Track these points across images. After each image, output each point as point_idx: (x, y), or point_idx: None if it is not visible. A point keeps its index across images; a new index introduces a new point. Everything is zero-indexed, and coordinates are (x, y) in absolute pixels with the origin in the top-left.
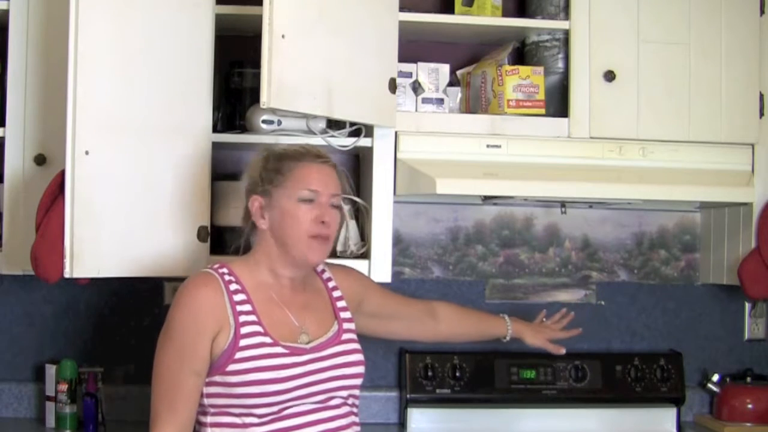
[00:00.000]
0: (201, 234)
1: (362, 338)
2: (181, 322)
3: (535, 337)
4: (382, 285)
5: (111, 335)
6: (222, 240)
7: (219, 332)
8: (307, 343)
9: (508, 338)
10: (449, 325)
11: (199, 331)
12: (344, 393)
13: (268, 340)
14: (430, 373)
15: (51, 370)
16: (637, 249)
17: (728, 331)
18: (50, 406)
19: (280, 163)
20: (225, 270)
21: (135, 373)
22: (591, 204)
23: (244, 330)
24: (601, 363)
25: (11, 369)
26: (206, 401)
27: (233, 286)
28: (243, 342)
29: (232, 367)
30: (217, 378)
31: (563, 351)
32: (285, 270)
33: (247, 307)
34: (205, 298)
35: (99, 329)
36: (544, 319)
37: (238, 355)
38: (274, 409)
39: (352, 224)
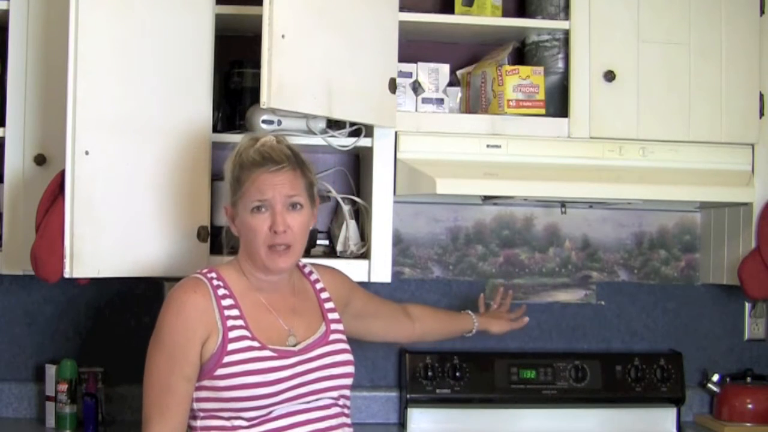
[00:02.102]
0: (201, 234)
1: (360, 340)
2: (171, 328)
3: (500, 324)
4: (375, 286)
5: (111, 335)
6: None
7: (208, 337)
8: (295, 345)
9: (474, 331)
10: (423, 323)
11: (189, 337)
12: (334, 393)
13: (255, 344)
14: (430, 373)
15: (51, 370)
16: (637, 249)
17: (728, 331)
18: (50, 406)
19: (241, 172)
20: (213, 275)
21: (135, 373)
22: (591, 204)
23: (231, 334)
24: (601, 363)
25: (11, 369)
26: (195, 405)
27: (221, 291)
28: (231, 346)
29: (220, 372)
30: (206, 382)
31: (527, 320)
32: (261, 275)
33: (234, 312)
34: (194, 305)
35: (99, 329)
36: (491, 303)
37: (226, 359)
38: (263, 412)
39: (352, 224)
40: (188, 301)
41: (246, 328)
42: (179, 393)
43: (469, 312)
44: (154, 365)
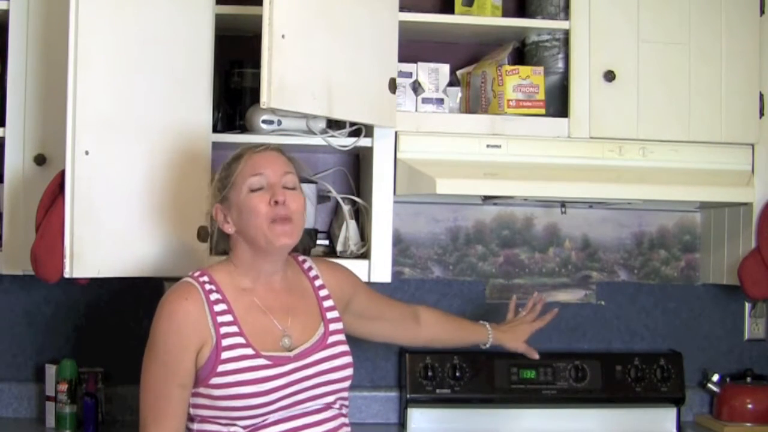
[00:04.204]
0: (201, 234)
1: (361, 339)
2: (164, 337)
3: (516, 342)
4: (375, 286)
5: (111, 335)
6: None
7: (202, 345)
8: (290, 348)
9: (488, 345)
10: (430, 330)
11: (183, 346)
12: (331, 398)
13: (249, 351)
14: (430, 373)
15: (51, 370)
16: (637, 249)
17: (728, 331)
18: (50, 406)
19: (228, 168)
20: (206, 278)
21: (135, 373)
22: (591, 204)
23: (225, 342)
24: (601, 363)
25: (11, 369)
26: (191, 411)
27: (214, 296)
28: (224, 355)
29: (214, 381)
30: (201, 389)
31: (536, 356)
32: (264, 265)
33: (228, 318)
34: (186, 313)
35: (99, 329)
36: (520, 310)
37: (221, 368)
38: (258, 420)
39: (352, 224)
40: (180, 309)
41: (240, 334)
42: (175, 400)
43: (486, 324)
44: (150, 373)
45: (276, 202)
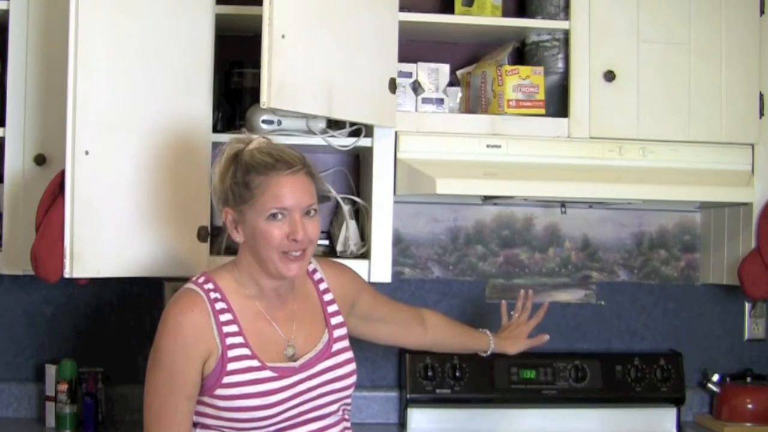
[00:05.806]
0: (201, 234)
1: (361, 339)
2: (169, 349)
3: (516, 346)
4: (375, 286)
5: (111, 335)
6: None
7: (208, 357)
8: (293, 357)
9: (489, 353)
10: (435, 334)
11: (189, 358)
12: (335, 406)
13: (255, 363)
14: (430, 373)
15: (51, 370)
16: (637, 249)
17: (728, 331)
18: (50, 406)
19: (248, 177)
20: (211, 285)
21: (135, 373)
22: (591, 204)
23: (231, 353)
24: (601, 363)
25: (11, 369)
26: (194, 418)
27: (219, 305)
28: (230, 366)
29: (219, 392)
30: (206, 398)
31: (546, 337)
32: (266, 282)
33: (233, 328)
34: (192, 325)
35: (99, 329)
36: (512, 313)
37: (226, 380)
38: (261, 430)
39: (352, 224)
40: (185, 321)
41: (245, 345)
42: (180, 411)
43: (487, 332)
44: (154, 384)
45: (295, 240)
